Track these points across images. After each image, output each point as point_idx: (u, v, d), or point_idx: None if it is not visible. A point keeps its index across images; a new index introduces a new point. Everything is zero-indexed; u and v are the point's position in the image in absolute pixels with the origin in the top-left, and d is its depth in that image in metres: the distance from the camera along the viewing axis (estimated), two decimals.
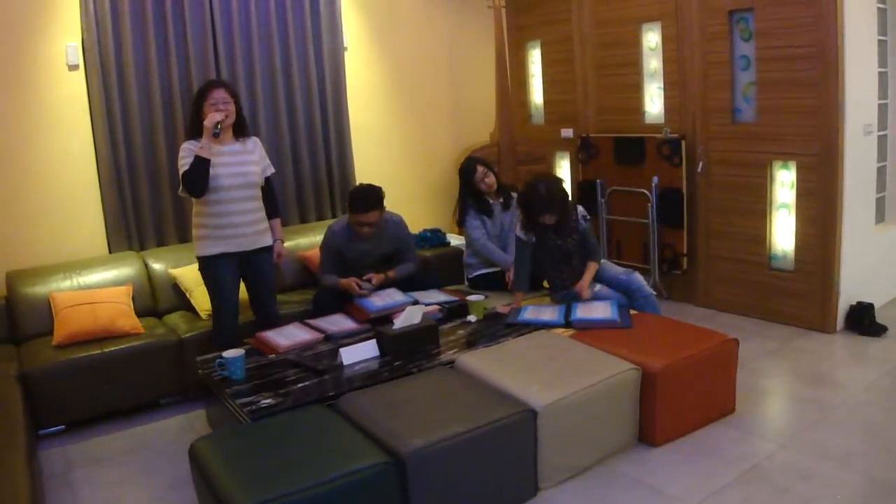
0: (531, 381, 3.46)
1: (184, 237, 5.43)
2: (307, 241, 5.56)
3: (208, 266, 4.27)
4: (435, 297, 4.66)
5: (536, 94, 7.03)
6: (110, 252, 5.27)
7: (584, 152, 6.37)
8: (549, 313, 4.37)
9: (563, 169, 6.82)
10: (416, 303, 4.46)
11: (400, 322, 3.94)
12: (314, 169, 5.96)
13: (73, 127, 5.09)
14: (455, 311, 4.50)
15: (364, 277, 4.67)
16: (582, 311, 4.30)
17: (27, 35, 4.88)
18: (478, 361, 3.72)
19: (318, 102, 5.91)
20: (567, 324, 4.20)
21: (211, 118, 4.05)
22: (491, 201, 5.16)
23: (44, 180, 5.04)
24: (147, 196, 5.32)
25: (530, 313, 4.38)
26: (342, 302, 4.64)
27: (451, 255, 5.79)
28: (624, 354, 3.73)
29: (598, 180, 6.24)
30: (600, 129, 6.34)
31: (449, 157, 6.80)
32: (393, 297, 4.53)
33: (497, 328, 4.24)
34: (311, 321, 4.42)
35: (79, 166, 5.14)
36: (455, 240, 6.04)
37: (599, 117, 6.40)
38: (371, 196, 4.67)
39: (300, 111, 5.82)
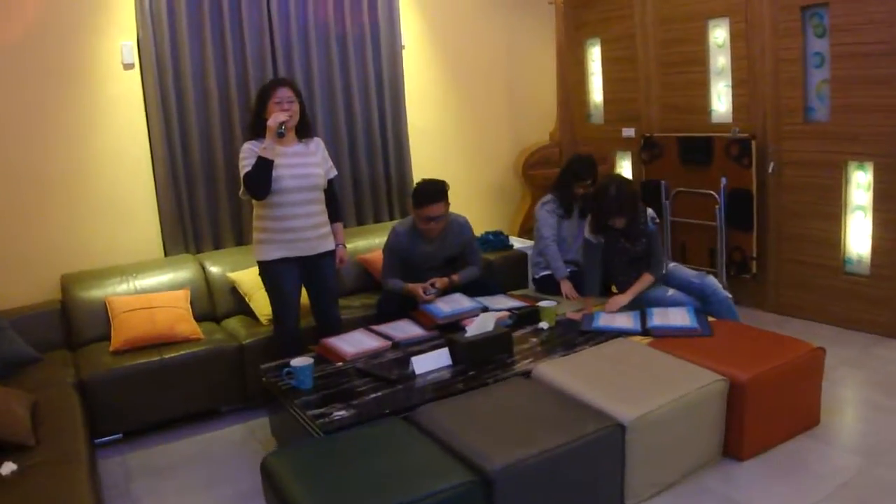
0: (615, 393, 3.27)
1: (241, 240, 5.32)
2: (365, 243, 5.41)
3: (269, 271, 4.13)
4: (504, 303, 4.48)
5: (595, 93, 6.83)
6: (166, 255, 5.16)
7: (647, 152, 6.16)
8: (624, 320, 4.18)
9: (625, 169, 6.61)
10: (485, 309, 4.29)
11: (473, 329, 3.77)
12: (372, 170, 5.81)
13: (128, 127, 4.99)
14: (525, 318, 4.31)
15: (428, 282, 4.50)
16: (659, 318, 4.11)
17: (81, 33, 4.78)
18: (556, 371, 3.54)
19: (375, 102, 5.77)
20: (644, 331, 4.01)
21: (275, 118, 3.91)
22: (574, 206, 5.01)
23: (99, 181, 4.94)
24: (203, 197, 5.20)
25: (604, 320, 4.20)
26: (407, 307, 4.48)
27: (514, 259, 5.61)
28: (709, 364, 3.53)
29: (662, 181, 6.03)
30: (664, 129, 6.12)
31: (507, 157, 6.64)
32: (461, 302, 4.36)
33: (571, 335, 4.05)
34: (376, 327, 4.26)
35: (134, 167, 5.04)
36: (518, 243, 5.86)
37: (663, 116, 6.19)
38: (436, 188, 4.50)
39: (358, 111, 5.68)
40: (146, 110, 5.01)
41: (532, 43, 6.72)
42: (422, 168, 5.97)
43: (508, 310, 4.33)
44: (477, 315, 4.18)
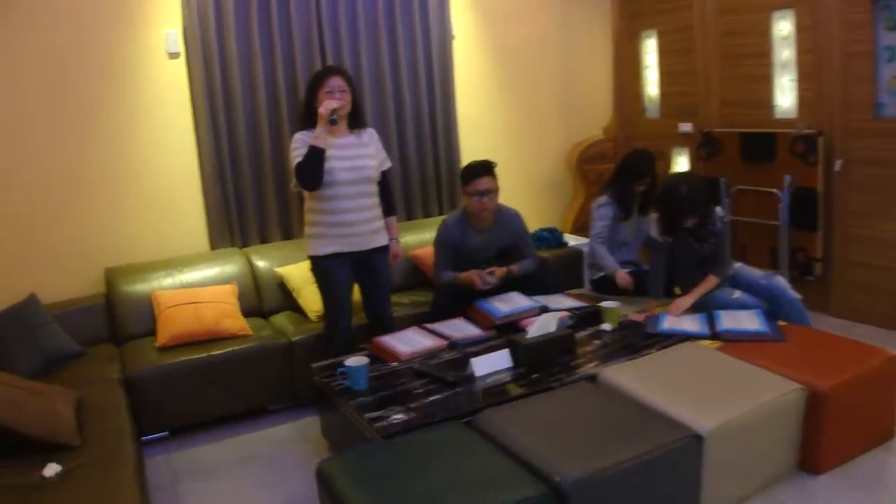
0: (690, 401, 3.08)
1: (288, 233, 5.19)
2: (415, 238, 5.25)
3: (321, 266, 3.99)
4: (563, 303, 4.30)
5: (651, 87, 6.60)
6: (212, 248, 5.05)
7: (705, 148, 5.93)
8: (691, 323, 3.98)
9: (682, 166, 6.39)
10: (544, 309, 4.11)
11: (534, 330, 3.59)
12: (421, 163, 5.65)
13: (173, 117, 4.87)
14: (586, 319, 4.12)
15: (486, 270, 4.33)
16: (728, 321, 3.90)
17: (126, 22, 4.67)
18: (624, 376, 3.35)
19: (425, 93, 5.60)
20: (713, 335, 3.80)
21: (327, 104, 3.77)
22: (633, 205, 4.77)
23: (143, 172, 4.84)
24: (250, 190, 5.07)
25: (670, 322, 4.00)
26: (462, 303, 4.31)
27: (569, 257, 5.42)
28: (785, 372, 3.32)
29: (721, 179, 5.79)
30: (724, 124, 5.89)
31: (559, 152, 6.44)
32: (518, 302, 4.18)
33: (636, 338, 3.86)
34: (430, 326, 4.10)
35: (179, 158, 4.92)
36: (573, 240, 5.66)
37: (723, 111, 5.95)
38: (482, 163, 4.41)
39: (407, 103, 5.52)
40: (192, 100, 4.89)
41: (586, 34, 6.51)
42: (469, 159, 5.75)
43: (568, 310, 4.14)
44: (536, 315, 4.01)
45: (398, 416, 3.09)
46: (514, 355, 3.55)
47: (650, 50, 6.56)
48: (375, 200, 4.05)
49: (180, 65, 4.84)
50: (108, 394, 3.69)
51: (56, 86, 4.54)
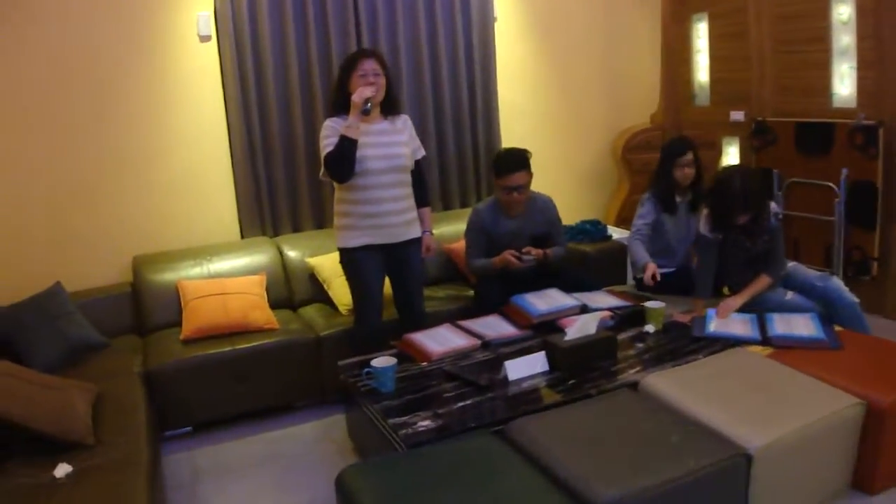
0: (738, 414, 2.85)
1: (321, 223, 5.03)
2: (452, 229, 5.04)
3: (351, 259, 3.81)
4: (604, 301, 4.07)
5: (701, 73, 6.33)
6: (242, 237, 4.91)
7: (758, 138, 5.66)
8: (741, 326, 3.74)
9: (732, 156, 6.12)
10: (584, 308, 3.89)
11: (573, 332, 3.37)
12: (459, 151, 5.45)
13: (204, 102, 4.74)
14: (628, 319, 3.90)
15: (522, 250, 4.17)
16: (781, 326, 3.65)
17: (157, 4, 4.55)
18: (667, 384, 3.13)
19: (465, 78, 5.39)
20: (764, 340, 3.56)
21: (360, 92, 3.58)
22: (678, 199, 4.44)
23: (173, 158, 4.72)
24: (282, 177, 4.92)
25: (718, 325, 3.76)
26: (506, 294, 4.11)
27: (613, 251, 5.16)
28: (842, 384, 3.07)
29: (774, 170, 5.52)
30: (778, 113, 5.61)
31: (604, 140, 6.19)
32: (557, 299, 3.97)
33: (681, 342, 3.63)
34: (463, 323, 3.90)
35: (210, 144, 4.80)
36: (617, 233, 5.42)
37: (778, 99, 5.66)
38: (518, 156, 4.23)
39: (446, 88, 5.32)
40: (223, 84, 4.75)
41: (634, 16, 6.25)
42: (509, 145, 5.56)
43: (610, 309, 3.92)
44: (576, 314, 3.81)
45: (425, 423, 2.90)
46: (550, 358, 3.34)
47: (701, 34, 6.29)
48: (408, 190, 3.87)
49: (212, 48, 4.71)
50: (128, 389, 3.56)
51: (85, 70, 4.43)
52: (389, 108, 3.85)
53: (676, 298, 4.23)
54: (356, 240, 3.76)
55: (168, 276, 4.43)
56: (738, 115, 5.95)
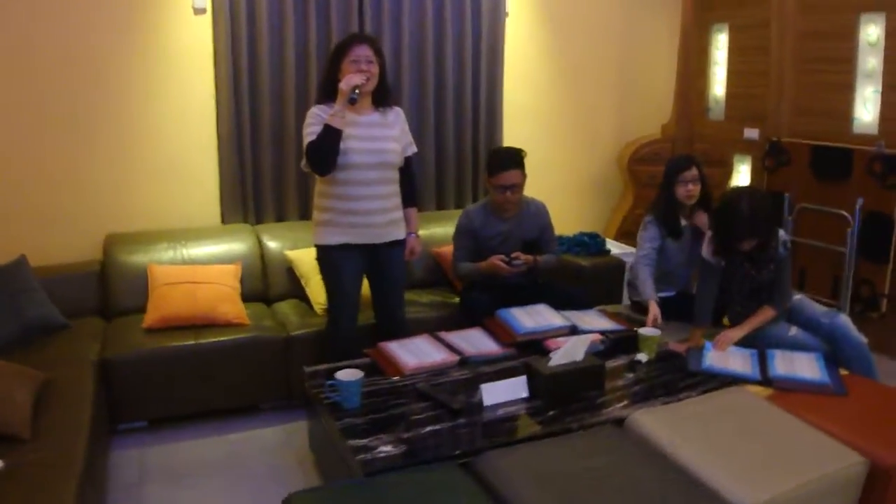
0: (732, 465, 2.60)
1: (306, 213, 4.78)
2: (442, 232, 4.78)
3: (328, 257, 3.57)
4: (596, 322, 3.82)
5: (717, 86, 6.08)
6: (223, 223, 4.68)
7: (772, 158, 5.41)
8: (740, 362, 3.48)
9: (743, 175, 5.86)
10: (574, 329, 3.64)
11: (559, 357, 3.11)
12: (459, 149, 5.20)
13: (194, 78, 4.51)
14: (619, 345, 3.64)
15: (511, 255, 3.95)
16: (783, 366, 3.40)
17: None
18: (656, 424, 2.87)
19: (470, 73, 5.14)
20: (764, 380, 3.30)
21: (348, 80, 3.33)
22: (683, 222, 4.15)
23: (157, 135, 4.49)
24: (269, 162, 4.68)
25: (715, 359, 3.50)
26: (495, 304, 3.87)
27: (610, 267, 4.89)
28: (845, 437, 2.81)
29: (785, 194, 5.27)
30: (795, 134, 5.36)
31: (611, 149, 5.93)
32: (546, 317, 3.71)
33: (675, 375, 3.37)
34: (443, 335, 3.64)
35: (197, 122, 4.56)
36: (616, 248, 5.15)
37: (796, 119, 5.42)
38: (512, 154, 4.02)
39: (449, 81, 5.06)
40: (215, 62, 4.51)
41: (651, 22, 5.99)
42: None
43: (601, 332, 3.67)
44: (565, 335, 3.55)
45: (386, 448, 2.65)
46: (531, 385, 3.08)
47: (720, 46, 6.05)
48: (395, 188, 3.62)
49: (206, 22, 4.47)
50: (79, 379, 3.31)
51: (68, 37, 4.20)
52: (381, 99, 3.59)
53: (674, 324, 3.97)
54: (334, 237, 3.51)
55: (139, 257, 4.19)
56: (752, 133, 5.72)
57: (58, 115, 4.25)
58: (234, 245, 4.38)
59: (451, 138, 5.14)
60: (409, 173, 3.74)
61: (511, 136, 5.36)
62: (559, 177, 5.62)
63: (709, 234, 3.77)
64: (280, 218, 4.78)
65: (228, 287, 4.04)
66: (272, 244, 4.45)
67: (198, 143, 4.58)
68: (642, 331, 3.61)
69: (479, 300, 3.96)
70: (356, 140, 3.43)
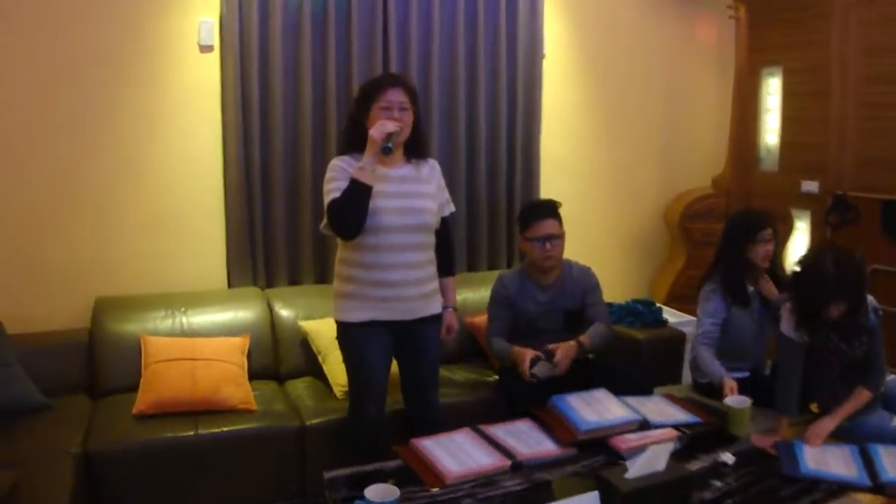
0: None
1: (323, 276, 4.29)
2: (475, 297, 4.26)
3: (351, 337, 3.05)
4: (666, 413, 3.23)
5: (769, 134, 5.56)
6: (229, 286, 4.17)
7: (837, 214, 4.89)
8: (842, 462, 2.90)
9: (801, 233, 5.33)
10: (645, 423, 3.06)
11: (638, 468, 2.53)
12: (492, 204, 4.69)
13: (198, 123, 4.06)
14: (698, 442, 3.05)
15: (544, 348, 3.37)
16: (892, 466, 2.82)
17: (151, 6, 3.91)
18: None
19: (505, 121, 4.66)
20: (875, 486, 2.73)
21: (380, 127, 2.83)
22: (749, 287, 3.63)
23: (156, 184, 4.03)
24: (282, 218, 4.19)
25: (812, 459, 2.92)
26: (541, 391, 3.29)
27: (668, 340, 4.30)
28: None
29: (855, 254, 4.72)
30: (862, 187, 4.84)
31: (656, 203, 5.42)
32: (609, 408, 3.12)
33: (770, 482, 2.77)
34: (488, 430, 3.05)
35: (202, 171, 4.10)
36: (672, 316, 4.57)
37: (861, 171, 4.90)
38: (544, 204, 3.68)
39: (482, 130, 4.58)
40: (222, 105, 4.06)
41: (699, 62, 5.54)
42: None
43: (675, 426, 3.09)
44: (633, 429, 2.98)
45: None
46: (606, 502, 2.51)
47: (772, 90, 5.54)
48: (431, 255, 3.10)
49: (213, 60, 4.05)
50: (57, 477, 2.83)
51: (60, 76, 3.78)
52: (415, 150, 3.10)
53: (753, 410, 3.36)
54: (359, 313, 2.99)
55: (132, 326, 3.69)
56: (810, 186, 5.19)
57: (42, 160, 3.78)
58: (242, 313, 3.87)
59: (484, 193, 4.65)
60: (445, 237, 3.23)
61: (547, 190, 4.86)
62: (599, 235, 5.10)
63: (787, 305, 3.23)
64: (294, 281, 4.26)
65: (234, 365, 3.51)
66: (284, 313, 3.93)
67: (202, 194, 4.10)
68: (729, 401, 3.12)
69: (528, 388, 3.39)
70: (386, 198, 2.92)
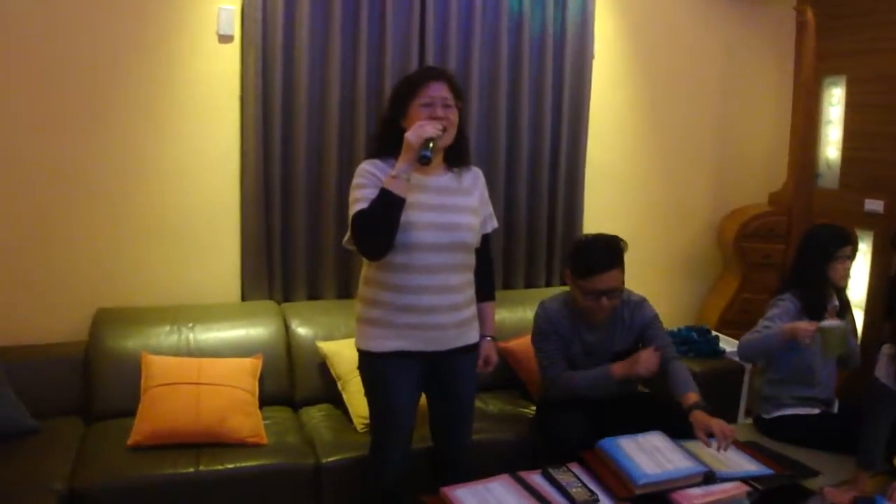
0: None
1: (346, 291, 3.92)
2: (512, 318, 3.87)
3: (375, 368, 2.66)
4: (733, 463, 2.80)
5: (829, 148, 5.14)
6: (243, 299, 3.80)
7: None
8: None
9: (863, 255, 4.90)
10: (710, 475, 2.65)
11: None
12: (532, 217, 4.28)
13: (214, 121, 3.69)
14: (771, 497, 2.65)
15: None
16: None
17: None
18: None
19: (549, 126, 4.25)
20: None
21: (420, 129, 2.45)
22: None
23: (167, 188, 3.66)
24: (303, 226, 3.81)
25: None
26: (589, 430, 2.91)
27: (727, 373, 3.87)
28: None
29: None
30: None
31: (707, 220, 4.99)
32: (668, 457, 2.70)
33: None
34: (529, 477, 2.64)
35: (216, 174, 3.73)
36: (729, 346, 4.13)
37: None
38: (609, 248, 3.04)
39: (524, 136, 4.18)
40: (241, 101, 3.69)
41: (758, 70, 5.11)
42: (594, 218, 4.48)
43: (744, 479, 2.68)
44: (697, 483, 2.59)
45: None
46: None
47: (835, 101, 5.12)
48: (470, 277, 2.72)
49: (233, 52, 3.68)
50: None
51: (62, 70, 3.42)
52: (457, 157, 2.71)
53: (821, 457, 3.04)
54: (386, 342, 2.60)
55: (133, 342, 3.33)
56: (874, 205, 4.76)
57: (43, 158, 3.43)
58: (255, 330, 3.51)
59: (524, 204, 4.24)
60: (485, 256, 2.84)
61: (591, 203, 4.49)
62: (646, 254, 4.66)
63: (886, 348, 2.84)
64: (314, 295, 3.89)
65: (243, 390, 3.14)
66: (302, 331, 3.56)
67: (217, 197, 3.74)
68: (825, 324, 3.04)
69: (574, 426, 2.99)
70: (421, 210, 2.54)
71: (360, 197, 2.50)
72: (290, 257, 3.83)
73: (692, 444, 2.86)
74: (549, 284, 4.36)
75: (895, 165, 4.63)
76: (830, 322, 3.06)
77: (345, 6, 3.71)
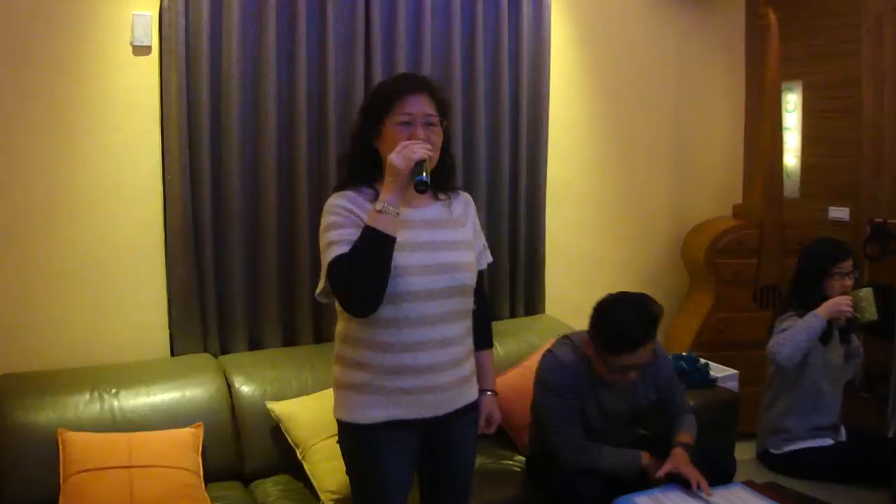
0: None
1: (292, 338, 3.44)
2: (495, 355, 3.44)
3: (364, 444, 2.18)
4: None
5: (787, 155, 5.00)
6: (173, 354, 3.29)
7: (876, 245, 4.37)
8: None
9: None
10: None
11: None
12: (493, 242, 3.91)
13: (133, 145, 3.20)
14: None
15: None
16: None
17: None
18: None
19: (508, 138, 3.90)
20: None
21: (405, 151, 2.00)
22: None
23: (80, 226, 3.15)
24: (239, 264, 3.32)
25: None
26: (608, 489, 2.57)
27: (721, 405, 3.50)
28: None
29: None
30: None
31: (666, 234, 4.75)
32: None
33: None
34: None
35: (137, 207, 3.24)
36: (720, 372, 3.81)
37: None
38: (645, 321, 2.67)
39: (482, 155, 3.84)
40: (162, 121, 3.21)
41: (714, 73, 4.95)
42: (554, 238, 4.19)
43: None
44: None
45: None
46: None
47: (790, 107, 5.00)
48: (469, 325, 2.27)
49: (150, 65, 3.22)
50: None
51: None
52: (444, 182, 2.27)
53: (839, 492, 2.93)
54: (375, 411, 2.13)
55: (45, 415, 2.76)
56: (839, 213, 4.72)
57: None
58: (191, 392, 2.99)
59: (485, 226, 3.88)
60: (480, 297, 2.38)
61: (552, 220, 4.17)
62: (608, 272, 4.38)
63: None
64: (255, 344, 3.39)
65: (185, 470, 2.64)
66: (247, 389, 3.05)
67: (137, 236, 3.25)
68: (857, 291, 3.15)
69: (589, 485, 2.61)
70: (409, 251, 2.09)
71: (337, 239, 2.03)
72: (226, 301, 3.33)
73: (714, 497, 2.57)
74: (512, 314, 3.98)
75: (861, 171, 4.57)
76: (859, 290, 3.14)
77: (280, 10, 3.29)
